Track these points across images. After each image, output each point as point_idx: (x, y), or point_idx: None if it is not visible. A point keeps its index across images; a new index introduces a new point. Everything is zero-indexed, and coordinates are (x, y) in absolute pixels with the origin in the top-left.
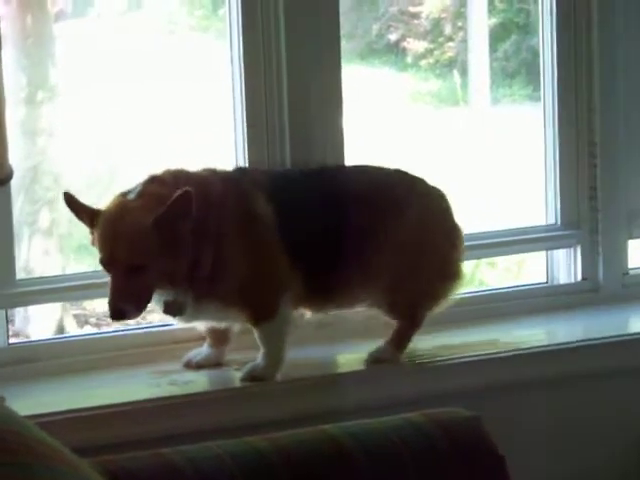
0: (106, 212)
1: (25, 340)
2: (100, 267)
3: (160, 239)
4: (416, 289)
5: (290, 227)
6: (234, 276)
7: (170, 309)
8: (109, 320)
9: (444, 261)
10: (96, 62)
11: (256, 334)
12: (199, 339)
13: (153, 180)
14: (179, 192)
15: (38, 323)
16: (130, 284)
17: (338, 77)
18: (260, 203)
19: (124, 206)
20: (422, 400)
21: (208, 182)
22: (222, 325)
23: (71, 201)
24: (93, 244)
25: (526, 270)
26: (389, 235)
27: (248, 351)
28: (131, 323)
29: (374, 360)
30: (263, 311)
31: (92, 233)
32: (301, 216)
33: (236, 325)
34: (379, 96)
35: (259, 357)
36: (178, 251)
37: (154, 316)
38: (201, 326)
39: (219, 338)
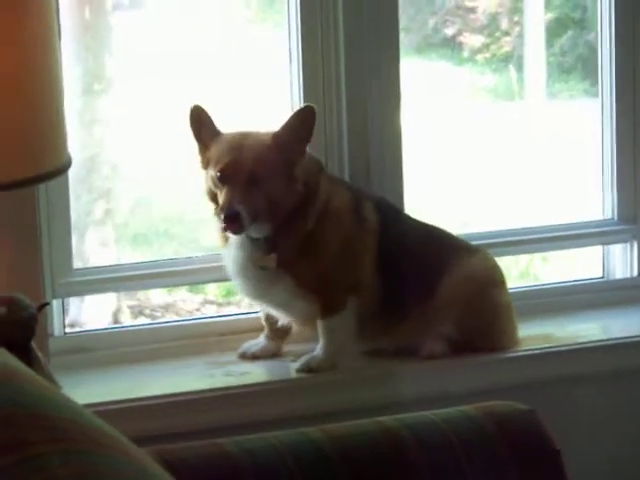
0: (229, 134)
1: (81, 330)
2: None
3: (279, 156)
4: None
5: (386, 242)
6: (321, 258)
7: (235, 223)
8: (162, 311)
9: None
10: (152, 53)
11: (320, 326)
12: (254, 330)
13: None
14: (300, 107)
15: (93, 313)
16: (247, 193)
17: (397, 71)
18: (368, 208)
19: (243, 132)
20: (478, 394)
21: (322, 165)
22: (283, 318)
23: (200, 113)
24: (204, 164)
25: (582, 265)
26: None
27: (304, 343)
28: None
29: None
30: (333, 304)
31: (203, 153)
32: (398, 238)
33: (296, 322)
34: (435, 90)
35: (317, 349)
36: (292, 174)
37: (208, 308)
38: (263, 314)
39: (277, 331)
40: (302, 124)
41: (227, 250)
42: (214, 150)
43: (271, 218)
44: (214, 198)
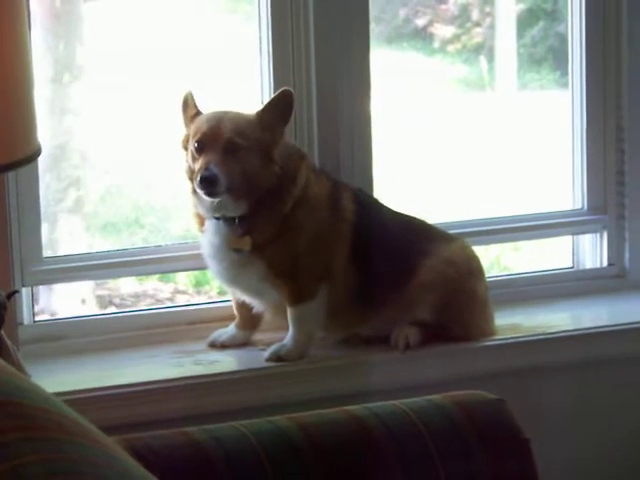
0: (209, 111)
1: (51, 318)
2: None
3: (259, 133)
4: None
5: (362, 232)
6: (295, 243)
7: (211, 184)
8: (133, 300)
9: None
10: (123, 43)
11: (289, 314)
12: (223, 319)
13: None
14: (279, 90)
15: (63, 301)
16: (224, 158)
17: (367, 61)
18: (345, 198)
19: (229, 110)
20: (447, 383)
21: (306, 154)
22: (255, 304)
23: (187, 97)
24: (184, 142)
25: (552, 255)
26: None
27: (275, 332)
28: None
29: None
30: (303, 291)
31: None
32: (374, 228)
33: (267, 310)
34: (406, 81)
35: (286, 338)
36: (270, 155)
37: (180, 297)
38: (235, 301)
39: (248, 321)
40: (281, 106)
41: (203, 234)
42: (194, 126)
43: (246, 194)
44: (192, 176)
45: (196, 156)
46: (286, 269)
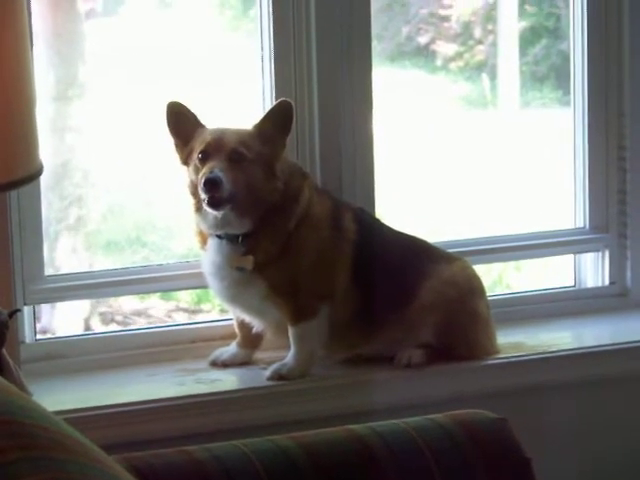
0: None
1: (52, 336)
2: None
3: (261, 145)
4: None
5: (364, 252)
6: (296, 263)
7: (214, 186)
8: (135, 318)
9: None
10: (125, 61)
11: (290, 333)
12: (225, 338)
13: None
14: (278, 101)
15: (65, 320)
16: (228, 166)
17: (369, 79)
18: (346, 218)
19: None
20: (449, 402)
21: (308, 173)
22: (256, 323)
23: (180, 108)
24: (184, 159)
25: (554, 274)
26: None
27: (275, 351)
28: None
29: None
30: (304, 311)
31: (182, 148)
32: (375, 248)
33: (268, 329)
34: (409, 98)
35: (288, 357)
36: (272, 168)
37: (180, 315)
38: (236, 320)
39: (250, 340)
40: (280, 117)
41: (205, 252)
42: (197, 139)
43: (250, 210)
44: (195, 192)
45: (199, 166)
46: (288, 288)
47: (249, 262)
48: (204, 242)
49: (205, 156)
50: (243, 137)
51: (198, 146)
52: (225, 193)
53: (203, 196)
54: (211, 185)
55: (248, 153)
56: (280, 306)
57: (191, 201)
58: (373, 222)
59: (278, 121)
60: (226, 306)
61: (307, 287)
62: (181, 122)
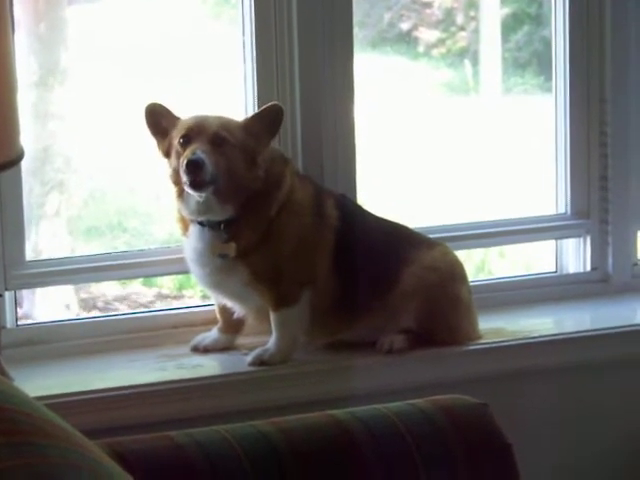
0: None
1: (33, 322)
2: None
3: (244, 137)
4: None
5: (345, 239)
6: (278, 249)
7: (197, 168)
8: (116, 304)
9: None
10: (108, 47)
11: (272, 319)
12: (206, 323)
13: None
14: (270, 104)
15: (46, 305)
16: (212, 150)
17: (350, 65)
18: (328, 204)
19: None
20: (430, 387)
21: (289, 159)
22: (238, 309)
23: (157, 108)
24: (164, 151)
25: (535, 261)
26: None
27: (256, 336)
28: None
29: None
30: (286, 297)
31: (162, 142)
32: (357, 235)
33: (250, 314)
34: (390, 85)
35: (269, 342)
36: (254, 160)
37: (162, 301)
38: (218, 305)
39: (231, 325)
40: (269, 119)
41: (187, 239)
42: (177, 129)
43: (231, 196)
44: (177, 180)
45: (181, 150)
46: (270, 274)
47: (231, 249)
48: (186, 229)
49: (187, 140)
50: (225, 123)
51: (178, 132)
52: (207, 176)
53: (185, 179)
54: (194, 167)
55: (230, 138)
56: (262, 292)
57: (173, 189)
58: (355, 208)
59: (266, 122)
60: (208, 292)
61: (289, 273)
62: (159, 121)
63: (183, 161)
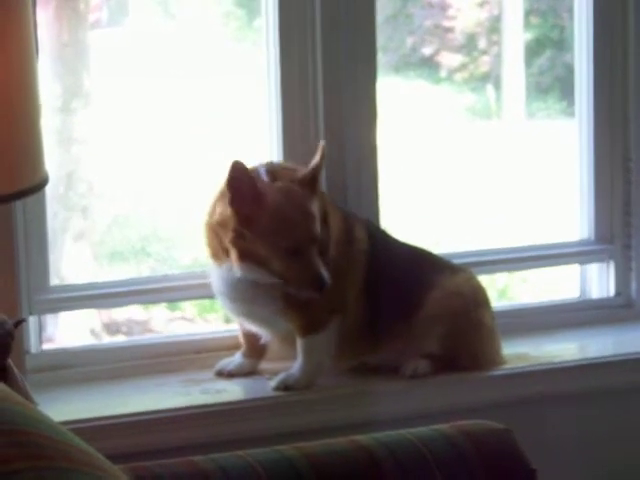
0: (281, 195)
1: (58, 347)
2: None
3: (318, 202)
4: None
5: (374, 263)
6: None
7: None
8: (140, 329)
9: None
10: (131, 72)
11: (299, 344)
12: (230, 348)
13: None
14: (307, 171)
15: (70, 330)
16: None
17: (373, 90)
18: (357, 228)
19: (291, 188)
20: (453, 413)
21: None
22: (264, 334)
23: (242, 170)
24: (243, 224)
25: (559, 286)
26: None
27: (281, 361)
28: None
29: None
30: (316, 323)
31: (241, 212)
32: (383, 259)
33: (276, 339)
34: (413, 109)
35: (294, 367)
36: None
37: (185, 325)
38: (242, 330)
39: (255, 349)
40: (321, 163)
41: (218, 268)
42: (271, 219)
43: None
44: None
45: (282, 256)
46: (302, 302)
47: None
48: (222, 260)
49: (301, 246)
50: (316, 214)
51: (283, 233)
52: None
53: (303, 289)
54: (320, 287)
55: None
56: (292, 319)
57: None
58: (380, 233)
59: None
60: (234, 317)
61: (321, 301)
62: (242, 187)
63: (311, 278)
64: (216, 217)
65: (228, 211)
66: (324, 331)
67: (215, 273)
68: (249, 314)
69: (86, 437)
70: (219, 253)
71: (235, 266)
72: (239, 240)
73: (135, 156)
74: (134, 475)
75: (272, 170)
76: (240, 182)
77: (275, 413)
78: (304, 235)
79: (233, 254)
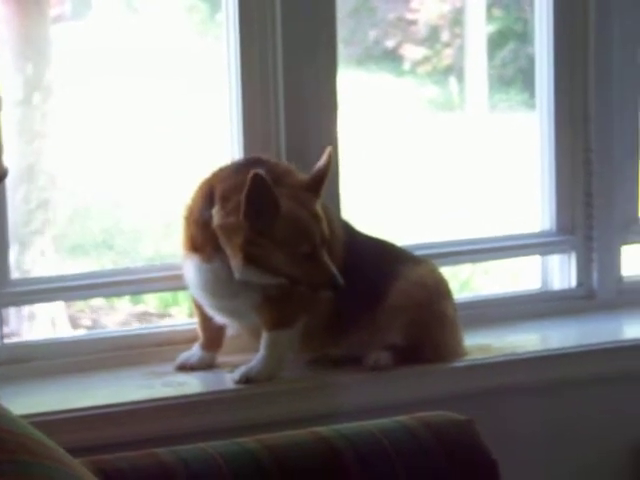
0: (293, 202)
1: (19, 340)
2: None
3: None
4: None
5: (345, 258)
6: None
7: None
8: (101, 321)
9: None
10: (93, 65)
11: (264, 338)
12: (192, 341)
13: (259, 163)
14: (313, 175)
15: (32, 323)
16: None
17: (334, 82)
18: (337, 223)
19: (300, 193)
20: (415, 404)
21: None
22: (232, 327)
23: (262, 182)
24: (257, 233)
25: (521, 277)
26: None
27: (238, 354)
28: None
29: None
30: (284, 319)
31: (254, 222)
32: (349, 252)
33: (246, 331)
34: (376, 102)
35: (256, 359)
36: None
37: (148, 319)
38: (201, 321)
39: (212, 341)
40: (327, 167)
41: (204, 264)
42: (287, 227)
43: None
44: (253, 259)
45: (297, 259)
46: (278, 298)
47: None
48: (192, 249)
49: (313, 249)
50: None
51: (298, 238)
52: None
53: (318, 288)
54: (335, 289)
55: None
56: (263, 312)
57: (238, 253)
58: (347, 225)
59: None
60: (210, 311)
61: (295, 297)
62: (269, 198)
63: (328, 279)
64: (217, 221)
65: (234, 219)
66: (292, 328)
67: (197, 269)
68: (226, 309)
69: (47, 430)
70: (207, 251)
71: (236, 268)
72: (251, 247)
73: (96, 149)
74: (96, 468)
75: (274, 175)
76: (260, 195)
77: (237, 406)
78: (317, 239)
79: (236, 258)
